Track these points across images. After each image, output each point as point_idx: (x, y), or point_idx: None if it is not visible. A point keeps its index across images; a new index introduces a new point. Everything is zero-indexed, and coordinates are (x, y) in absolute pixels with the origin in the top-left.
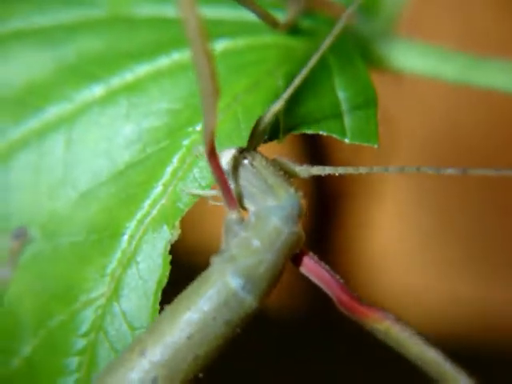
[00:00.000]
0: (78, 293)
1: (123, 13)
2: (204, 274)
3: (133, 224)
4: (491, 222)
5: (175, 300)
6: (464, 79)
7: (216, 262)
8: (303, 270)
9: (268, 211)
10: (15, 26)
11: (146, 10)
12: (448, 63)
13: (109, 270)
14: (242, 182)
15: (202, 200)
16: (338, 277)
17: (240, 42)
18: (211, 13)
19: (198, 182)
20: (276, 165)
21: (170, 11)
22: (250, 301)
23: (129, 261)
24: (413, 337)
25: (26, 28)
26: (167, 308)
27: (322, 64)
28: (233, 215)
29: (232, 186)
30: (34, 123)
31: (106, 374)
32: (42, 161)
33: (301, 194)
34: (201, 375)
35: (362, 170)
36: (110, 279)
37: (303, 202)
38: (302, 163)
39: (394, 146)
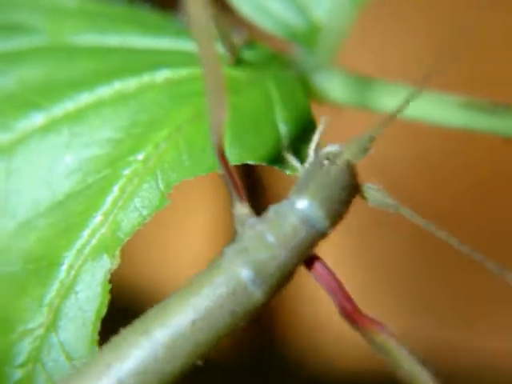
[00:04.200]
0: (14, 323)
1: (64, 41)
2: (214, 262)
3: (72, 253)
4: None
5: (183, 285)
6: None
7: (228, 251)
8: (313, 274)
9: (290, 209)
10: None
11: (88, 39)
12: (385, 95)
13: (47, 300)
14: (304, 174)
15: (142, 230)
16: (344, 286)
17: (182, 72)
18: (152, 43)
19: (139, 211)
20: (363, 188)
21: (111, 40)
22: (257, 295)
23: (67, 291)
24: (405, 354)
25: None
26: (174, 292)
27: (265, 96)
28: (244, 209)
29: (302, 173)
30: None
31: (108, 352)
32: None
33: (326, 214)
34: (200, 363)
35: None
36: (48, 309)
37: (324, 221)
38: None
39: None
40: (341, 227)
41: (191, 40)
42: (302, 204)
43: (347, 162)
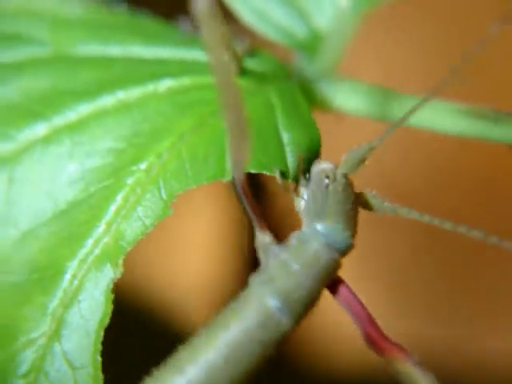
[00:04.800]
0: (17, 333)
1: (68, 52)
2: (242, 294)
3: (75, 263)
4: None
5: (212, 320)
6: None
7: (255, 282)
8: (337, 298)
9: (310, 235)
10: None
11: (90, 50)
12: (388, 103)
13: (50, 310)
14: (311, 195)
15: (145, 239)
16: (368, 311)
17: (185, 82)
18: (154, 53)
19: (142, 221)
20: (359, 197)
21: (113, 50)
22: (285, 323)
23: (71, 300)
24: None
25: None
26: (203, 328)
27: (267, 105)
28: (266, 238)
29: (305, 196)
30: None
31: None
32: None
33: (349, 233)
34: None
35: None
36: (51, 319)
37: (348, 237)
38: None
39: None
40: None
41: (193, 49)
42: (326, 228)
43: (345, 175)
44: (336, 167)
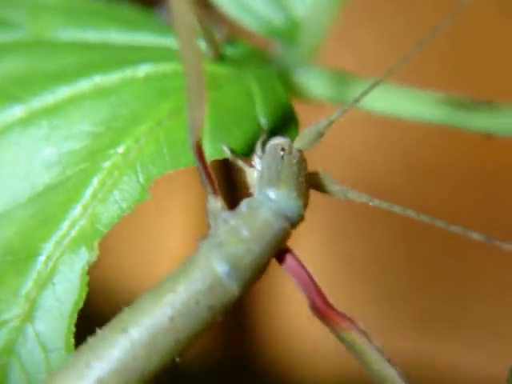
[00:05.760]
0: None
1: (45, 36)
2: (190, 258)
3: (50, 245)
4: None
5: (158, 282)
6: (380, 108)
7: (203, 246)
8: (284, 267)
9: (261, 202)
10: None
11: (69, 34)
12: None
13: (23, 292)
14: (265, 166)
15: (121, 222)
16: (315, 280)
17: (163, 68)
18: (133, 39)
19: (119, 204)
20: (312, 175)
21: (92, 36)
22: (233, 288)
23: (45, 282)
24: (376, 352)
25: None
26: (150, 289)
27: (245, 92)
28: (217, 203)
29: (258, 167)
30: None
31: (86, 352)
32: None
33: (302, 203)
34: (177, 360)
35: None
36: (25, 300)
37: (300, 208)
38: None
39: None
40: (332, 230)
41: (172, 36)
42: (277, 195)
43: (300, 151)
44: (288, 142)
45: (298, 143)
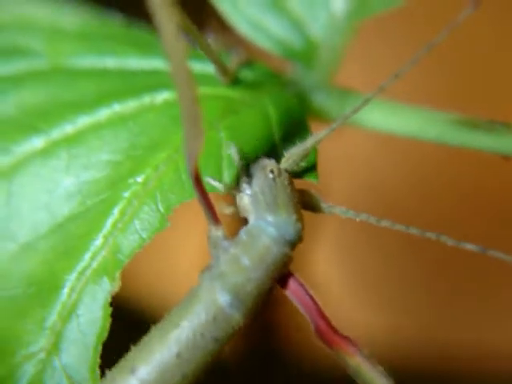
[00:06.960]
0: (16, 347)
1: (64, 64)
2: (193, 291)
3: (73, 276)
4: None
5: (164, 317)
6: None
7: (205, 278)
8: (287, 291)
9: (260, 229)
10: None
11: (87, 62)
12: (381, 113)
13: (48, 324)
14: (257, 190)
15: (142, 252)
16: (319, 304)
17: None
18: (151, 64)
19: (139, 234)
20: (300, 194)
21: (110, 62)
22: (237, 318)
23: (69, 314)
24: (380, 377)
25: None
26: (155, 326)
27: (262, 116)
28: (218, 232)
29: (247, 191)
30: None
31: None
32: None
33: (300, 225)
34: None
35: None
36: (50, 332)
37: (300, 230)
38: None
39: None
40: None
41: (189, 61)
42: (276, 221)
43: (287, 171)
44: (275, 164)
45: (285, 163)
